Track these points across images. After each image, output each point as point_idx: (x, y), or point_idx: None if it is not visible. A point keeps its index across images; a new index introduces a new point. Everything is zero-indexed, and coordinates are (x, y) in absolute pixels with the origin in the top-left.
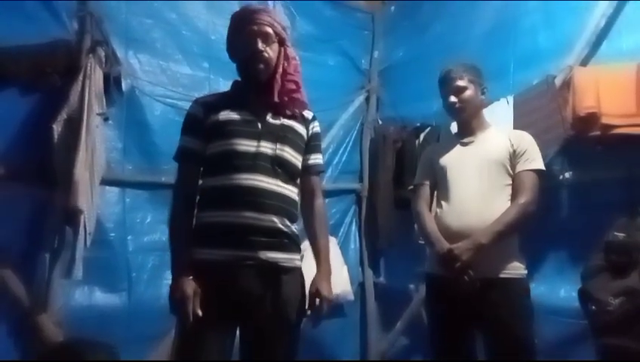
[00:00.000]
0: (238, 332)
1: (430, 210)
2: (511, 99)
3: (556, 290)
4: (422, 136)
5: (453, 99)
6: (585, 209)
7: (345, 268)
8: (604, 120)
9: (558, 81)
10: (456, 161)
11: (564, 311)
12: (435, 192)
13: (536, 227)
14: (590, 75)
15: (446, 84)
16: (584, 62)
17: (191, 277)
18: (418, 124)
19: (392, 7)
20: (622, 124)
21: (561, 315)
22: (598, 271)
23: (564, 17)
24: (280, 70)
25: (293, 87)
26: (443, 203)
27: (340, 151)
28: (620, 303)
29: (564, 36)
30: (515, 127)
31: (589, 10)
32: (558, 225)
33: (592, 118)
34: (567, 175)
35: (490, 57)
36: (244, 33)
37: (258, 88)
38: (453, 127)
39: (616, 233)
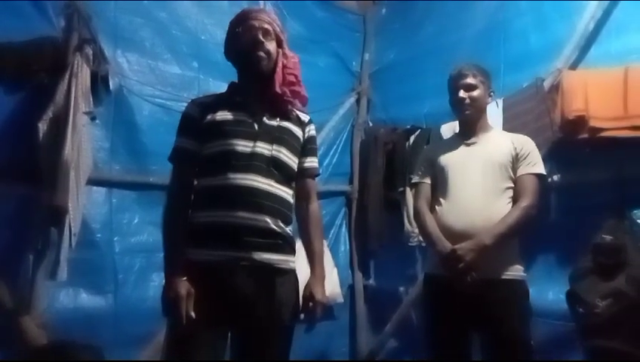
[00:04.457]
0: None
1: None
2: (500, 101)
3: (544, 292)
4: (412, 138)
5: (462, 94)
6: (573, 211)
7: (335, 270)
8: (593, 123)
9: (547, 84)
10: (459, 160)
11: (553, 313)
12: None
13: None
14: (579, 78)
15: (457, 80)
16: (573, 66)
17: (184, 278)
18: (409, 126)
19: (384, 9)
20: (610, 126)
21: (549, 317)
22: (586, 273)
23: (554, 20)
24: (280, 64)
25: (294, 79)
26: (444, 202)
27: (331, 153)
28: (607, 305)
29: (554, 39)
30: (504, 130)
31: (578, 13)
32: (546, 227)
33: (580, 121)
34: (555, 177)
35: (480, 60)
36: (244, 28)
37: (259, 81)
38: (444, 130)
39: (604, 235)
